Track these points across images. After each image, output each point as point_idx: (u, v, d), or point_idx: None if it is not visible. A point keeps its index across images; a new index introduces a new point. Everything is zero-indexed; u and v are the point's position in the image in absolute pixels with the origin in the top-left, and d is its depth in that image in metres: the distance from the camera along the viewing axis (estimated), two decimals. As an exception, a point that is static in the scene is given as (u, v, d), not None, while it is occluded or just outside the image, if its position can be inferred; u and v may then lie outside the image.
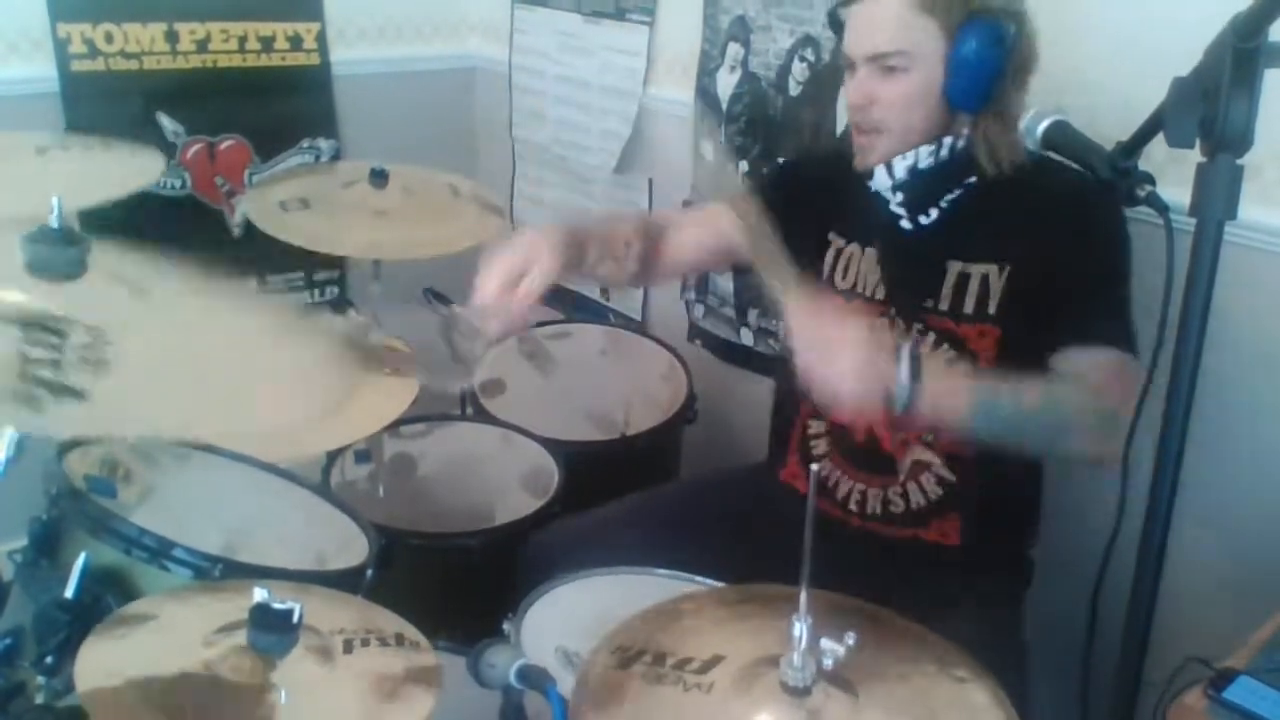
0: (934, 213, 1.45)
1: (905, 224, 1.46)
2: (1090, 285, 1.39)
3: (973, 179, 1.42)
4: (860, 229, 1.54)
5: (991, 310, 1.43)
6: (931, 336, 1.47)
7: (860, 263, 1.54)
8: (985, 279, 1.43)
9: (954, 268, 1.45)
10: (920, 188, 1.43)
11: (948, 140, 1.40)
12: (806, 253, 1.59)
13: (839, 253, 1.56)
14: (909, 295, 1.48)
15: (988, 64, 1.33)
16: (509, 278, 1.34)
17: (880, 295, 1.51)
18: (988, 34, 1.31)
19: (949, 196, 1.44)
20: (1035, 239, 1.39)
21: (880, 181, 1.44)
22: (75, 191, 1.37)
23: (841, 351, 1.19)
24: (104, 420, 0.90)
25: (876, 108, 1.40)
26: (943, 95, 1.36)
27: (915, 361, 1.21)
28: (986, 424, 1.26)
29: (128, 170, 1.88)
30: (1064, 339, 1.37)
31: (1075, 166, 1.28)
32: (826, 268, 1.57)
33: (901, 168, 1.42)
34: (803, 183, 1.59)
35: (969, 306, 1.44)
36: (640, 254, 1.57)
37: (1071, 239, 1.38)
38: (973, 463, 1.47)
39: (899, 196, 1.45)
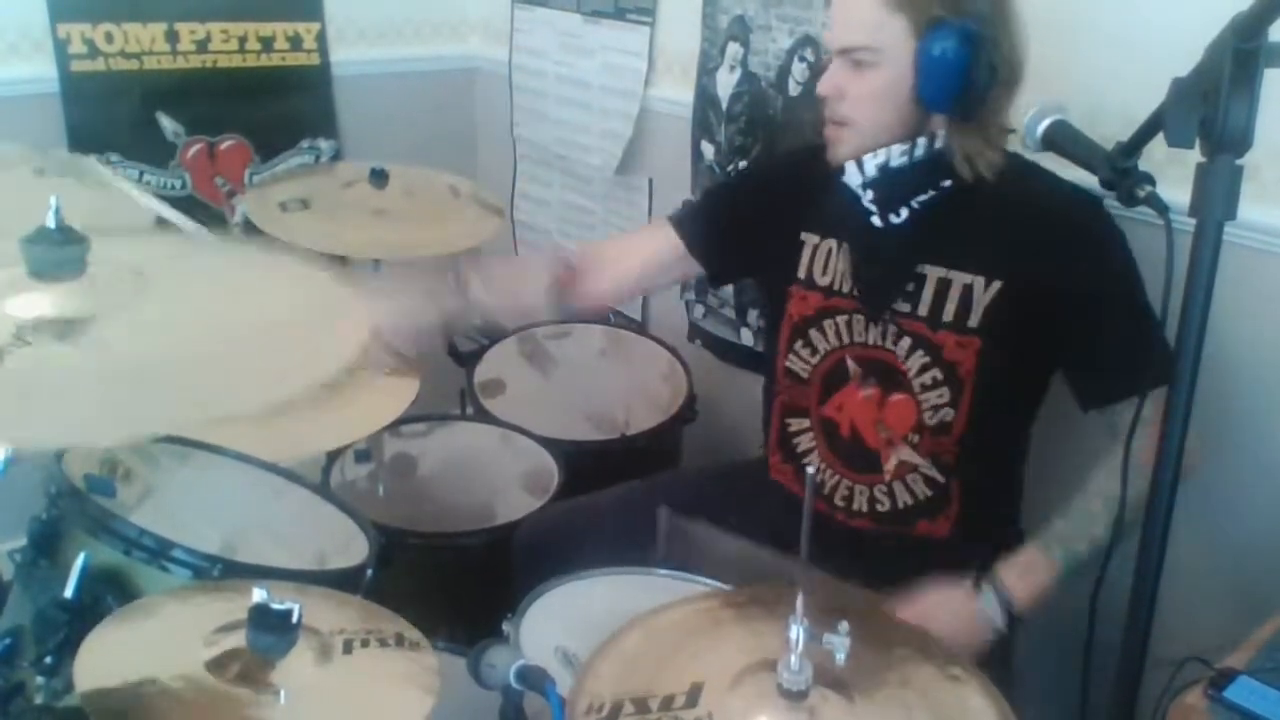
0: (904, 212, 1.43)
1: (876, 221, 1.45)
2: (1119, 320, 1.37)
3: (948, 182, 1.41)
4: (834, 225, 1.53)
5: (972, 323, 1.42)
6: (907, 341, 1.46)
7: (836, 260, 1.54)
8: (969, 289, 1.42)
9: (934, 273, 1.44)
10: (891, 186, 1.42)
11: (922, 141, 1.39)
12: (779, 252, 1.59)
13: (815, 249, 1.56)
14: (879, 295, 1.48)
15: (956, 64, 1.31)
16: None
17: (853, 291, 1.51)
18: (958, 35, 1.30)
19: (921, 198, 1.42)
20: (1032, 255, 1.38)
21: (851, 177, 1.44)
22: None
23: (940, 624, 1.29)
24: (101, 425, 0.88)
25: (845, 102, 1.41)
26: (913, 95, 1.36)
27: (1000, 594, 1.35)
28: (1080, 571, 1.35)
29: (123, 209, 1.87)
30: (1116, 392, 1.36)
31: (1064, 177, 1.27)
32: (803, 266, 1.57)
33: (872, 165, 1.42)
34: (772, 183, 1.59)
35: (948, 315, 1.43)
36: (555, 285, 1.65)
37: (1077, 262, 1.37)
38: (958, 464, 1.48)
39: (870, 194, 1.44)
